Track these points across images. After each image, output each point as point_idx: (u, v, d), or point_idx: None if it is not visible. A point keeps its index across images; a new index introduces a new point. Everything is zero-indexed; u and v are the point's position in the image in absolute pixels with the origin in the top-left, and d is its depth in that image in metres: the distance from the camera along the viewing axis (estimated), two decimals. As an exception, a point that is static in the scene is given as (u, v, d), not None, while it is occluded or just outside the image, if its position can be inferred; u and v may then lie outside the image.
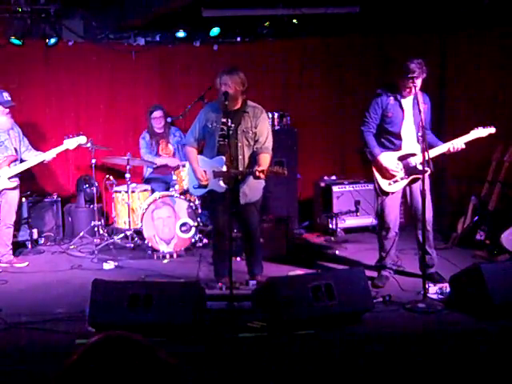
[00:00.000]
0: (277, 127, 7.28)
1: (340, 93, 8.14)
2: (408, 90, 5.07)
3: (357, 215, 7.36)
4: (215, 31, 7.80)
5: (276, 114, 7.32)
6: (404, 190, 5.35)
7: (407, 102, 5.20)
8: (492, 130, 5.18)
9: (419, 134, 5.15)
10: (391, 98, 5.19)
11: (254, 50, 8.06)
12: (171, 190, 6.83)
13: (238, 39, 8.19)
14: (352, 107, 7.90)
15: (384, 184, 5.28)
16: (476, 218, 6.56)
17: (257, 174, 4.85)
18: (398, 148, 5.25)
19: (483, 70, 7.40)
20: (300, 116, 7.86)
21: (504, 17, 6.93)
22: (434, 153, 5.11)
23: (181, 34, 7.79)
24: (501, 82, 7.26)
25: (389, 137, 5.26)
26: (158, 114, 7.34)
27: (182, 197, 6.62)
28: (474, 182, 7.05)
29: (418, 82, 5.02)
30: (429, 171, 5.01)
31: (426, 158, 4.81)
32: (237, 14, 7.50)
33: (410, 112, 5.20)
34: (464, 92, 7.56)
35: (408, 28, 7.65)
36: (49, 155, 6.22)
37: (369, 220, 7.40)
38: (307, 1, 7.33)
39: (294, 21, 7.79)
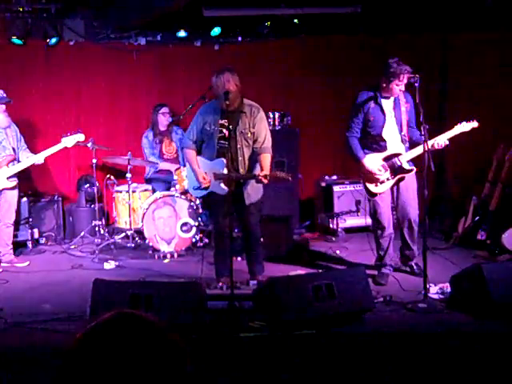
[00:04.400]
0: (278, 127, 7.26)
1: (341, 93, 8.11)
2: (391, 89, 5.13)
3: (357, 215, 7.36)
4: (216, 31, 7.79)
5: (277, 114, 7.30)
6: (391, 189, 5.40)
7: (388, 104, 5.28)
8: (475, 124, 5.23)
9: (402, 133, 5.24)
10: (371, 101, 5.26)
11: (255, 50, 8.04)
12: (172, 189, 6.83)
13: (239, 39, 8.17)
14: (353, 107, 7.88)
15: (371, 186, 5.36)
16: (477, 217, 6.55)
17: (259, 178, 4.83)
18: (384, 149, 5.32)
19: (484, 71, 7.40)
20: (301, 116, 7.85)
21: (506, 18, 6.94)
22: (418, 151, 5.18)
23: (182, 33, 7.77)
24: (502, 82, 7.26)
25: (373, 139, 5.34)
26: (165, 109, 7.37)
27: (182, 196, 6.61)
28: (475, 182, 7.04)
29: (403, 81, 5.07)
30: (414, 170, 5.22)
31: (413, 156, 4.93)
32: (238, 14, 7.49)
33: (391, 113, 5.27)
34: (465, 92, 7.55)
35: (410, 28, 7.64)
36: (40, 157, 6.18)
37: (369, 220, 7.37)
38: (308, 0, 7.32)
39: (295, 20, 7.78)
